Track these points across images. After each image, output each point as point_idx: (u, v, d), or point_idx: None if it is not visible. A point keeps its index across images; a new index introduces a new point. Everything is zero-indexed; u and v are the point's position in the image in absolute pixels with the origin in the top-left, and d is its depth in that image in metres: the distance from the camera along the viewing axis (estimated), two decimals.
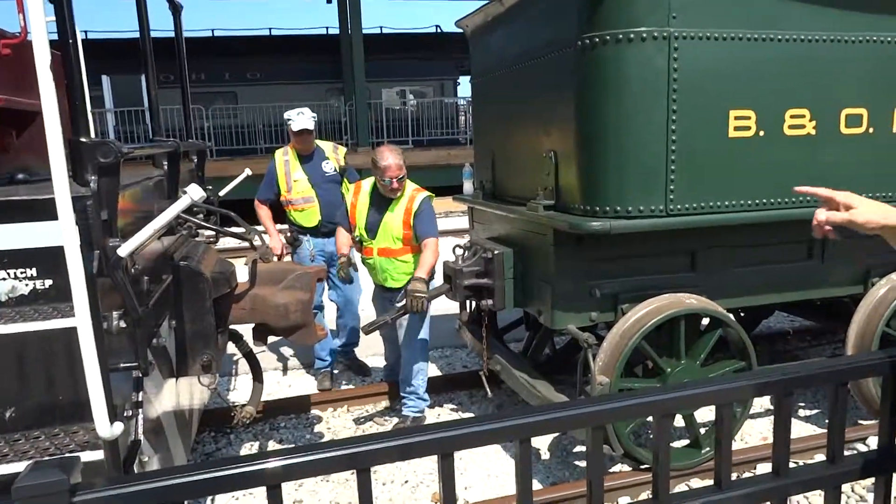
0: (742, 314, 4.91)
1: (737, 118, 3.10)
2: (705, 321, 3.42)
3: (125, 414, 2.15)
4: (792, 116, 3.18)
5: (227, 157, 13.32)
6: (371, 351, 5.35)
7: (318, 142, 4.87)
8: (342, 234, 4.21)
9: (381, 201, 4.02)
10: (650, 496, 1.61)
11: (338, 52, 16.04)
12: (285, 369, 5.41)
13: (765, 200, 3.21)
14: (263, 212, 4.85)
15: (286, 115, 4.71)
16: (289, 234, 4.86)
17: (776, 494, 1.64)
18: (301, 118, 4.59)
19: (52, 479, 0.89)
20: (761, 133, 3.15)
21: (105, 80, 14.95)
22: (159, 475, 1.00)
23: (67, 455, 1.92)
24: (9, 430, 2.08)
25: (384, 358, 4.82)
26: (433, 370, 5.20)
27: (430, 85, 17.88)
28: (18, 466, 1.91)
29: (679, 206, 3.08)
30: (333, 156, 4.84)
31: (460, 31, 4.71)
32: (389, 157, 3.83)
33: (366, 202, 4.08)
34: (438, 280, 4.03)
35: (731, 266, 3.47)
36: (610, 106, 2.99)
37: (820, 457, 3.40)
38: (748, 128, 3.12)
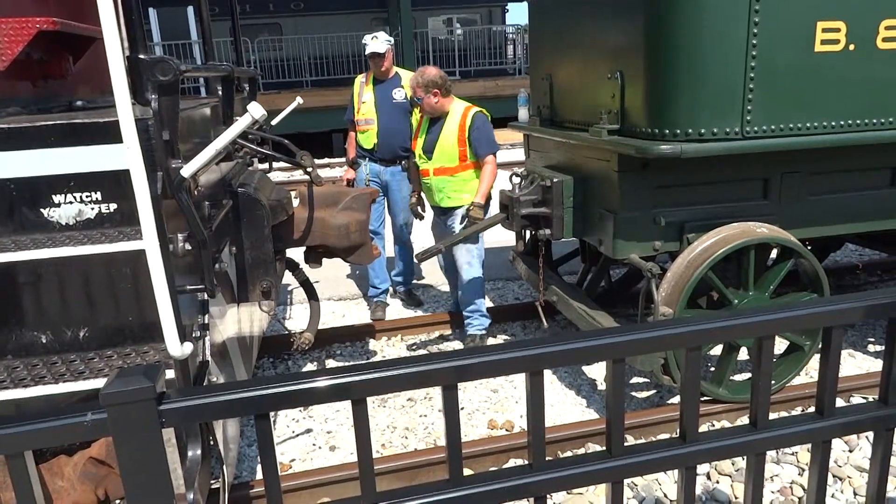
0: (809, 246, 4.69)
1: (825, 30, 2.84)
2: (773, 253, 3.27)
3: (193, 335, 2.18)
4: (888, 28, 2.90)
5: (274, 90, 13.25)
6: (425, 282, 5.36)
7: (400, 70, 4.88)
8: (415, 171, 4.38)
9: (434, 122, 4.18)
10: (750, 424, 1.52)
11: None
12: (339, 299, 5.48)
13: (850, 122, 2.98)
14: (349, 137, 4.98)
15: (364, 39, 4.73)
16: (350, 158, 4.95)
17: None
18: (373, 42, 4.62)
19: (139, 387, 0.87)
20: (851, 47, 2.89)
21: (152, 12, 14.90)
22: (246, 385, 0.98)
23: (150, 363, 1.96)
24: (83, 348, 2.14)
25: (450, 293, 4.88)
26: (485, 302, 5.18)
27: (477, 12, 17.24)
28: (95, 383, 1.97)
29: (756, 129, 2.89)
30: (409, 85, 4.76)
31: None
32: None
33: (424, 125, 4.25)
34: (495, 205, 3.97)
35: (808, 193, 3.27)
36: (684, 18, 2.77)
37: None
38: (837, 41, 2.87)
